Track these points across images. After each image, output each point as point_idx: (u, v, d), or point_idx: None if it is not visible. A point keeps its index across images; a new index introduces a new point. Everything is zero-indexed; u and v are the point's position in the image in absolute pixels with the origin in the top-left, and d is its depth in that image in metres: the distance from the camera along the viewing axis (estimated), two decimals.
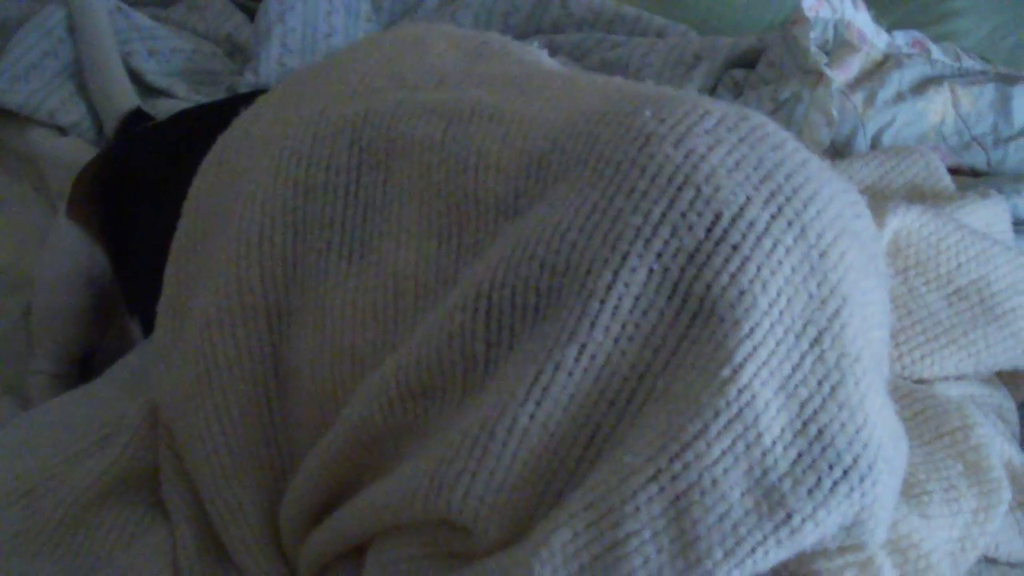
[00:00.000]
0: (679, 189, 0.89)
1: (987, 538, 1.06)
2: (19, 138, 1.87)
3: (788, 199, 0.90)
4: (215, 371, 1.08)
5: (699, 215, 0.88)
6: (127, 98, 1.83)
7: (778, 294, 0.87)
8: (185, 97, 1.93)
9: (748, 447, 0.85)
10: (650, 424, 0.87)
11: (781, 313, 0.87)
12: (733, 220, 0.88)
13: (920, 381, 1.21)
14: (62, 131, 1.87)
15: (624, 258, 0.88)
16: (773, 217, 0.89)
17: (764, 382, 0.86)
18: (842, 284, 0.89)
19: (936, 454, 1.09)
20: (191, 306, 1.12)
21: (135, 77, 1.94)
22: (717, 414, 0.85)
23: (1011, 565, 1.11)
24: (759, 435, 0.85)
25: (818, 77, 1.55)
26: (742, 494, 0.85)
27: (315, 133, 1.08)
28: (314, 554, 1.04)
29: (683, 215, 0.89)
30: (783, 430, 0.86)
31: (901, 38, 1.73)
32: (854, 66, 1.61)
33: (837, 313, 0.88)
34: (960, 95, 1.63)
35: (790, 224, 0.89)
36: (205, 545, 1.15)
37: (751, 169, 0.91)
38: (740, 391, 0.85)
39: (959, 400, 1.15)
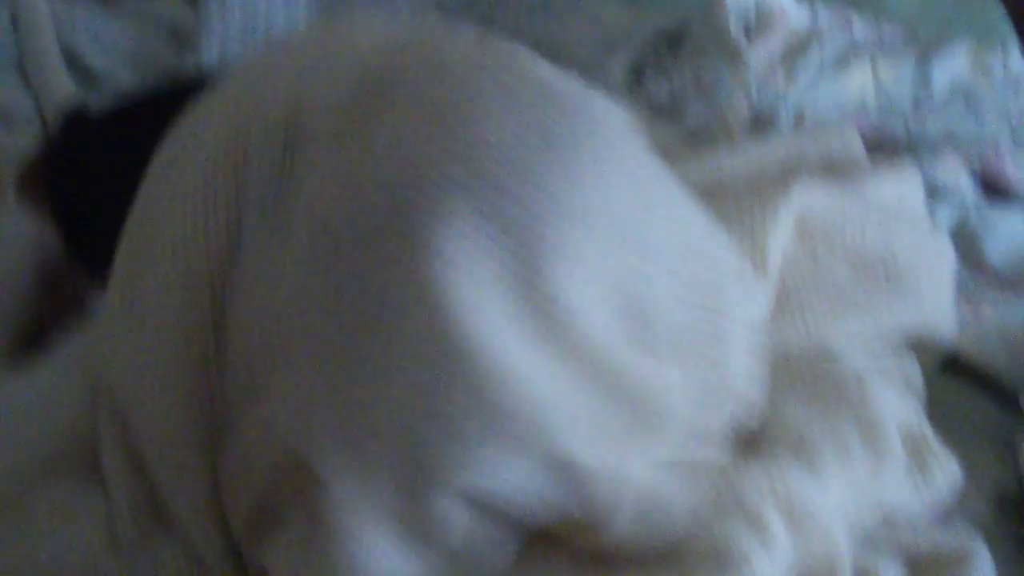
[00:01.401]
0: None
1: (880, 497, 1.11)
2: None
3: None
4: (162, 341, 1.12)
5: None
6: (64, 90, 1.86)
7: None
8: (129, 82, 1.96)
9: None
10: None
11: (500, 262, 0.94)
12: None
13: (827, 350, 1.26)
14: (7, 121, 1.90)
15: None
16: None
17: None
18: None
19: (833, 420, 1.13)
20: (140, 283, 1.16)
21: (78, 64, 1.96)
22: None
23: (910, 526, 1.16)
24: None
25: (737, 56, 1.59)
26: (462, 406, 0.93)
27: (250, 114, 1.13)
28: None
29: None
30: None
31: (824, 13, 1.77)
32: (775, 42, 1.66)
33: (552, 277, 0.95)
34: (881, 67, 1.69)
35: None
36: (142, 511, 1.20)
37: None
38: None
39: (859, 369, 1.20)
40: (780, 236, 1.24)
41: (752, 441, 1.14)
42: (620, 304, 1.00)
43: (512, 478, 0.96)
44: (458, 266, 0.92)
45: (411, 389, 0.94)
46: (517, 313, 0.94)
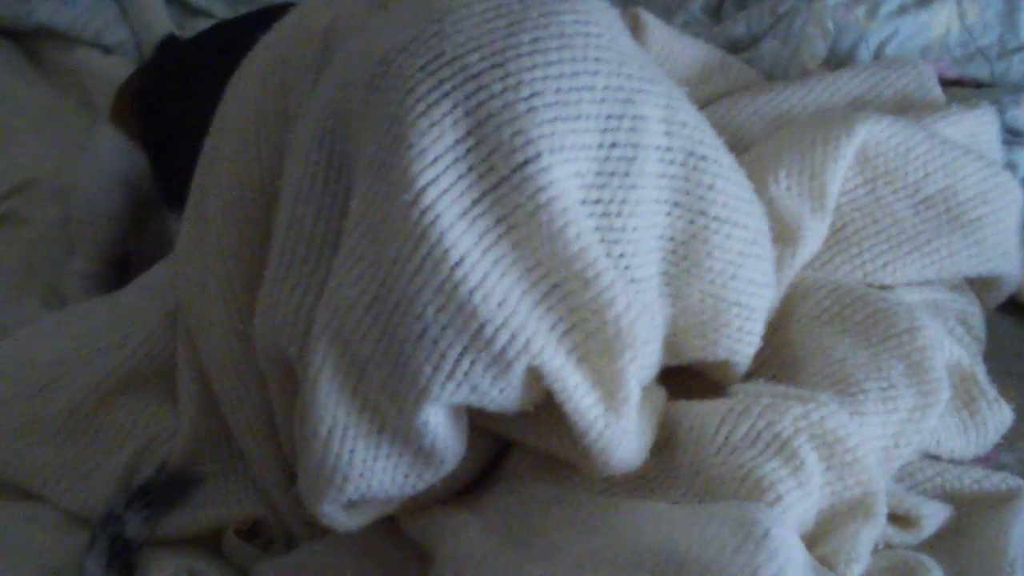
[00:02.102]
0: None
1: (922, 435, 1.11)
2: (66, 56, 1.98)
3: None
4: (223, 263, 1.17)
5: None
6: (162, 23, 1.92)
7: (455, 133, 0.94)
8: (225, 15, 2.01)
9: (436, 265, 0.92)
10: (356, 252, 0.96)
11: (468, 150, 0.93)
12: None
13: (882, 287, 1.25)
14: (107, 50, 1.97)
15: None
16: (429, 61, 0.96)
17: (448, 206, 0.92)
18: (530, 125, 0.94)
19: (880, 355, 1.13)
20: (206, 201, 1.21)
21: None
22: (405, 236, 0.92)
23: (953, 462, 1.16)
24: (445, 252, 0.92)
25: None
26: (436, 311, 0.93)
27: (294, 38, 1.17)
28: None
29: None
30: (469, 249, 0.93)
31: None
32: None
33: (523, 162, 0.93)
34: (966, 6, 1.64)
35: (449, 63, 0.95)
36: (207, 434, 1.26)
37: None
38: (423, 212, 0.92)
39: (911, 304, 1.19)
40: (840, 172, 1.23)
41: (794, 375, 1.14)
42: (594, 196, 0.98)
43: (491, 388, 0.97)
44: (426, 158, 0.93)
45: (394, 295, 0.95)
46: (484, 209, 0.94)
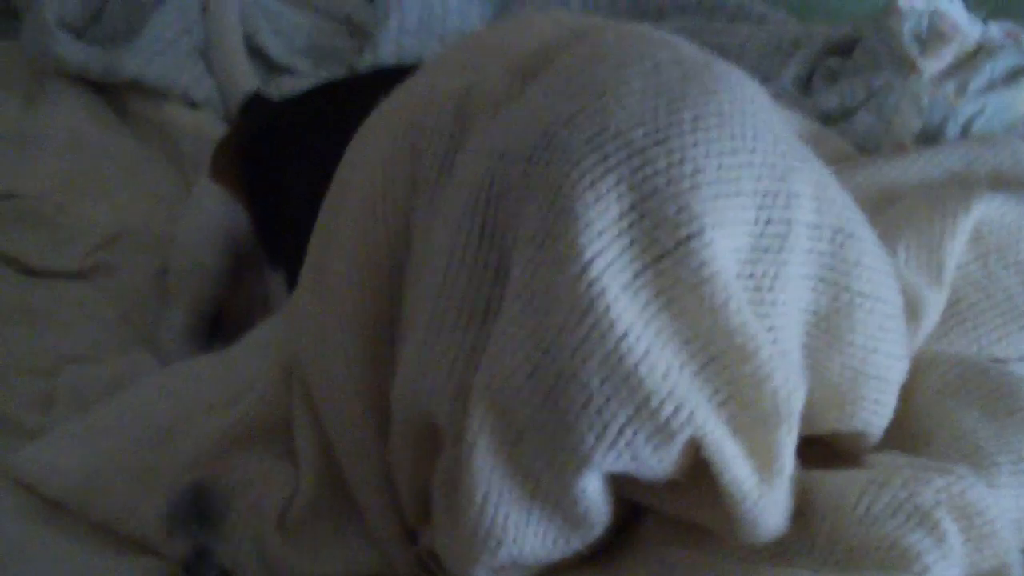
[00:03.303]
0: None
1: None
2: (155, 111, 2.01)
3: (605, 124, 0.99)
4: (344, 323, 1.18)
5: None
6: (247, 80, 1.96)
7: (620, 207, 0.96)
8: (308, 73, 2.05)
9: (602, 336, 0.94)
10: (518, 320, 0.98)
11: (631, 224, 0.96)
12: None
13: (996, 360, 1.28)
14: (194, 105, 2.00)
15: None
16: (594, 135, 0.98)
17: (613, 277, 0.95)
18: (693, 200, 0.96)
19: (1007, 429, 1.15)
20: (328, 265, 1.23)
21: (260, 54, 2.07)
22: (570, 307, 0.95)
23: None
24: (612, 323, 0.94)
25: (911, 67, 1.62)
26: (601, 380, 0.95)
27: (426, 104, 1.19)
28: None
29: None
30: (634, 321, 0.95)
31: (995, 28, 1.78)
32: (947, 56, 1.67)
33: (687, 237, 0.96)
34: None
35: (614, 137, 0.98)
36: (327, 490, 1.27)
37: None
38: (590, 284, 0.94)
39: None
40: (957, 247, 1.27)
41: (923, 446, 1.16)
42: (748, 270, 1.00)
43: (651, 457, 0.98)
44: (592, 230, 0.95)
45: (557, 363, 0.96)
46: (647, 281, 0.96)
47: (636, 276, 0.96)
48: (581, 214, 0.96)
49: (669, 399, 0.96)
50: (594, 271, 0.95)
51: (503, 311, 1.01)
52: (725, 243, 0.98)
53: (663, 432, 0.97)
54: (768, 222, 1.01)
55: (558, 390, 0.97)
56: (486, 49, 1.24)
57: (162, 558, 1.25)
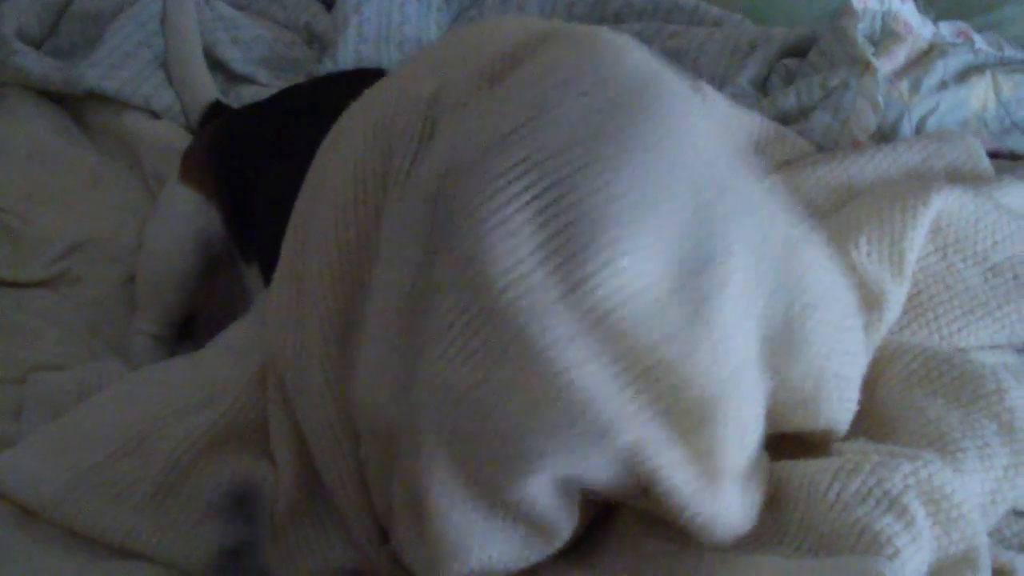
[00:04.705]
0: None
1: (1016, 492, 1.16)
2: (116, 121, 2.00)
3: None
4: (321, 324, 1.18)
5: None
6: (207, 91, 1.96)
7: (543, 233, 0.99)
8: (267, 84, 2.05)
9: (533, 358, 0.97)
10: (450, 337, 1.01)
11: (555, 250, 0.99)
12: None
13: (958, 350, 1.31)
14: (155, 115, 2.00)
15: None
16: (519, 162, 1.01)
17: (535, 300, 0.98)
18: (612, 230, 0.99)
19: (972, 415, 1.18)
20: (304, 268, 1.23)
21: (220, 65, 2.07)
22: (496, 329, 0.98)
23: None
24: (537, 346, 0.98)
25: (865, 66, 1.65)
26: (535, 398, 0.98)
27: (397, 105, 1.19)
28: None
29: None
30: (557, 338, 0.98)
31: (946, 28, 1.82)
32: (900, 55, 1.71)
33: (603, 264, 0.99)
34: (1001, 82, 1.73)
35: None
36: (305, 490, 1.28)
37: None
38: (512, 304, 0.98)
39: (994, 366, 1.24)
40: (918, 239, 1.29)
41: (890, 434, 1.19)
42: (676, 289, 1.02)
43: (590, 466, 1.02)
44: (513, 256, 0.98)
45: (492, 381, 0.99)
46: (572, 304, 0.98)
47: (556, 302, 0.98)
48: (501, 241, 0.99)
49: (602, 412, 0.98)
50: (512, 295, 0.98)
51: (432, 325, 1.03)
52: (643, 267, 1.00)
53: (599, 443, 0.99)
54: (696, 246, 1.02)
55: (495, 402, 0.99)
56: (455, 53, 1.25)
57: (146, 562, 1.25)
